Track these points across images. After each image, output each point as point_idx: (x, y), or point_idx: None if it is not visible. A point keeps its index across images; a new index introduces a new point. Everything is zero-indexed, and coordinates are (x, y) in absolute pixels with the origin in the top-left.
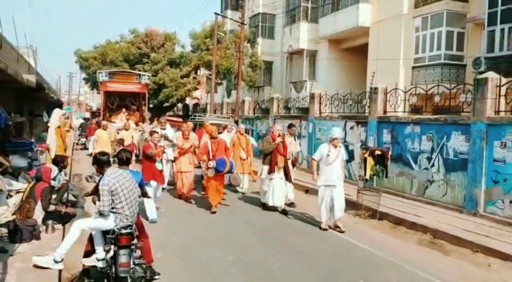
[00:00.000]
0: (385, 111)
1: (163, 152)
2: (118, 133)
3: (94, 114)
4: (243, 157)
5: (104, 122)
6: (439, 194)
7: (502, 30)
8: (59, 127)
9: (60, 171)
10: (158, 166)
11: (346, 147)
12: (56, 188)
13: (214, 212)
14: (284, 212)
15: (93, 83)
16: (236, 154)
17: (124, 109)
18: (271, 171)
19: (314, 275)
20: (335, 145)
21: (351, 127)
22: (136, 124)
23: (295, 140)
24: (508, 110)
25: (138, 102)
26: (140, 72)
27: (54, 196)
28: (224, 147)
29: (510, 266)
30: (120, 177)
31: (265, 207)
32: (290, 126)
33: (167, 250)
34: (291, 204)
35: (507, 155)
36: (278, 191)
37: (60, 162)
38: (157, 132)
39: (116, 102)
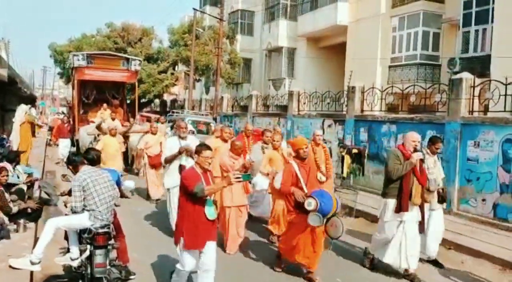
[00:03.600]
0: (362, 110)
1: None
2: (98, 136)
3: (72, 109)
4: (321, 179)
5: (109, 123)
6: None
7: (477, 31)
8: (25, 123)
9: (14, 166)
10: (210, 212)
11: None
12: (17, 185)
13: None
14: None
15: (68, 78)
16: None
17: (105, 105)
18: (401, 209)
19: None
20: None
21: (329, 126)
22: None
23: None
24: (481, 110)
25: (121, 95)
26: (129, 56)
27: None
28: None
29: (482, 263)
30: (94, 174)
31: (373, 264)
32: (435, 141)
33: (144, 250)
34: (435, 263)
35: (480, 154)
36: (412, 243)
37: (13, 158)
38: (209, 149)
39: (93, 95)
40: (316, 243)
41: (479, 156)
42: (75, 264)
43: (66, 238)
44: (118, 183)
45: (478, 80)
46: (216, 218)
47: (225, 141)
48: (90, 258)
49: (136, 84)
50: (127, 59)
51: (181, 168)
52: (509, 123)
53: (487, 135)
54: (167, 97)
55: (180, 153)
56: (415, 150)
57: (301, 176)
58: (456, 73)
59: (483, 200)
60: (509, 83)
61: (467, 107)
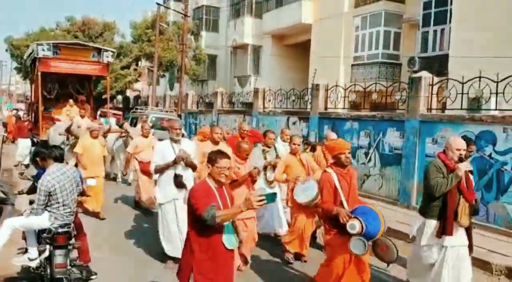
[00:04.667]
0: (326, 108)
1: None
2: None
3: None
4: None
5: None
6: (375, 188)
7: (435, 31)
8: None
9: None
10: (229, 240)
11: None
12: None
13: None
14: None
15: (26, 72)
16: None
17: (71, 101)
18: (445, 232)
19: None
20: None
21: (294, 123)
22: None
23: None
24: (439, 108)
25: (87, 90)
26: (100, 46)
27: None
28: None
29: None
30: (62, 177)
31: None
32: (467, 143)
33: (105, 249)
34: None
35: (438, 150)
36: (458, 273)
37: None
38: (226, 157)
39: (55, 89)
40: (365, 272)
41: (437, 152)
42: (33, 264)
43: (25, 238)
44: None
45: (436, 79)
46: (234, 248)
47: (216, 143)
48: (49, 258)
49: (108, 78)
50: (98, 50)
51: (177, 178)
52: (466, 121)
53: (444, 132)
54: (130, 94)
55: (175, 162)
56: (460, 160)
57: (342, 188)
58: (415, 72)
59: None
60: (465, 82)
61: (426, 105)
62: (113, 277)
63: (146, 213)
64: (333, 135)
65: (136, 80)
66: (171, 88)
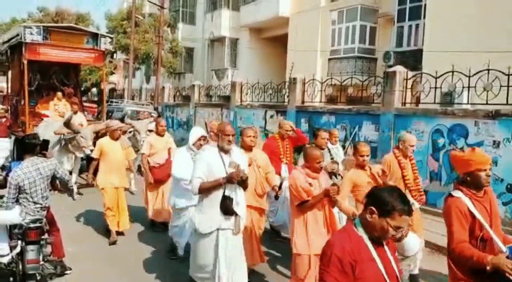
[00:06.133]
0: (303, 101)
1: None
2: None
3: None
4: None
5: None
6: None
7: (410, 26)
8: None
9: None
10: None
11: (266, 135)
12: None
13: None
14: None
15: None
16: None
17: (59, 94)
18: None
19: None
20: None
21: (271, 116)
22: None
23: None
24: (413, 102)
25: (73, 80)
26: (97, 31)
27: None
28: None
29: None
30: (35, 173)
31: None
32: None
33: (79, 243)
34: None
35: None
36: None
37: None
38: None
39: (37, 80)
40: None
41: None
42: (5, 260)
43: None
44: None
45: (410, 74)
46: None
47: (249, 149)
48: (21, 254)
49: (104, 68)
50: (95, 35)
51: (226, 201)
52: (439, 115)
53: (418, 125)
54: (105, 86)
55: (230, 181)
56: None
57: (482, 217)
58: (390, 66)
59: None
60: (439, 76)
61: (401, 99)
62: (89, 273)
63: (153, 227)
64: (412, 138)
65: (112, 73)
66: (148, 81)
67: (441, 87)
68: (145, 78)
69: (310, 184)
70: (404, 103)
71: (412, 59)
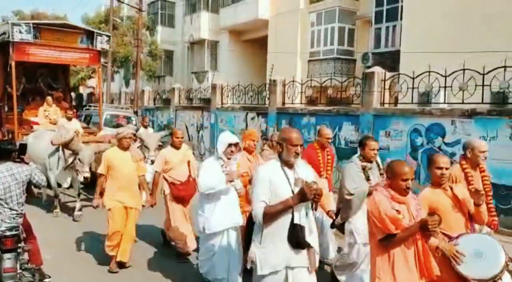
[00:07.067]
0: (283, 103)
1: None
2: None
3: None
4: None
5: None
6: (332, 181)
7: (387, 28)
8: None
9: None
10: None
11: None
12: None
13: None
14: None
15: None
16: None
17: (49, 99)
18: None
19: None
20: None
21: (252, 118)
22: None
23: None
24: (392, 102)
25: (61, 83)
26: (93, 29)
27: None
28: None
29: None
30: (10, 178)
31: None
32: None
33: (58, 250)
34: None
35: (391, 143)
36: None
37: None
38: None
39: (22, 84)
40: None
41: (390, 145)
42: None
43: None
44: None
45: (388, 74)
46: None
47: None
48: None
49: (100, 69)
50: (90, 34)
51: (296, 230)
52: (416, 114)
53: (396, 125)
54: (83, 91)
55: (302, 200)
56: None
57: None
58: (369, 67)
59: None
60: (416, 77)
61: (379, 100)
62: (69, 280)
63: (179, 258)
64: (482, 144)
65: (90, 77)
66: (127, 84)
67: (418, 88)
68: (124, 82)
69: (398, 211)
70: (382, 104)
71: (390, 60)
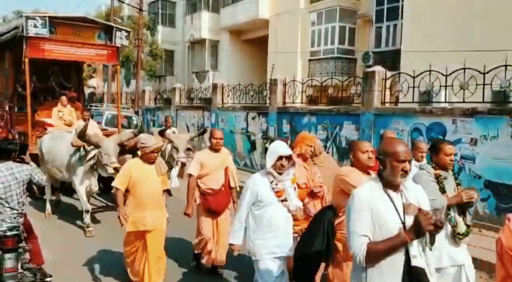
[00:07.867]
0: (284, 102)
1: None
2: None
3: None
4: None
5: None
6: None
7: (388, 27)
8: None
9: None
10: None
11: (248, 137)
12: None
13: None
14: None
15: None
16: None
17: (63, 98)
18: None
19: None
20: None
21: (253, 118)
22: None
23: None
24: (392, 101)
25: (74, 82)
26: (112, 24)
27: None
28: None
29: None
30: (10, 178)
31: None
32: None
33: (59, 250)
34: None
35: None
36: None
37: None
38: None
39: (33, 82)
40: None
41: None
42: None
43: None
44: (31, 181)
45: (389, 73)
46: None
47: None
48: None
49: (119, 67)
50: (109, 29)
51: (416, 273)
52: (417, 113)
53: (397, 124)
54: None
55: (418, 234)
56: None
57: None
58: (369, 66)
59: None
60: (416, 76)
61: (380, 99)
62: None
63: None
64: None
65: (91, 77)
66: (128, 84)
67: (419, 87)
68: (125, 82)
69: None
70: (383, 103)
71: (391, 59)
